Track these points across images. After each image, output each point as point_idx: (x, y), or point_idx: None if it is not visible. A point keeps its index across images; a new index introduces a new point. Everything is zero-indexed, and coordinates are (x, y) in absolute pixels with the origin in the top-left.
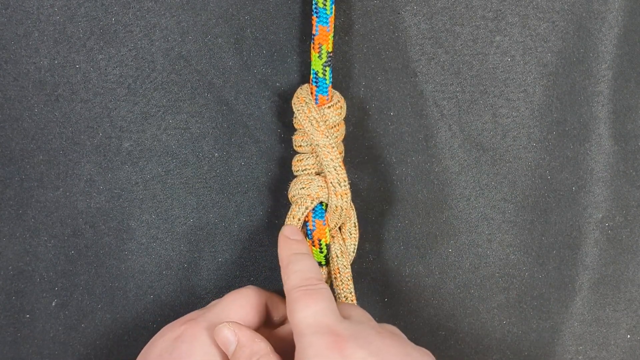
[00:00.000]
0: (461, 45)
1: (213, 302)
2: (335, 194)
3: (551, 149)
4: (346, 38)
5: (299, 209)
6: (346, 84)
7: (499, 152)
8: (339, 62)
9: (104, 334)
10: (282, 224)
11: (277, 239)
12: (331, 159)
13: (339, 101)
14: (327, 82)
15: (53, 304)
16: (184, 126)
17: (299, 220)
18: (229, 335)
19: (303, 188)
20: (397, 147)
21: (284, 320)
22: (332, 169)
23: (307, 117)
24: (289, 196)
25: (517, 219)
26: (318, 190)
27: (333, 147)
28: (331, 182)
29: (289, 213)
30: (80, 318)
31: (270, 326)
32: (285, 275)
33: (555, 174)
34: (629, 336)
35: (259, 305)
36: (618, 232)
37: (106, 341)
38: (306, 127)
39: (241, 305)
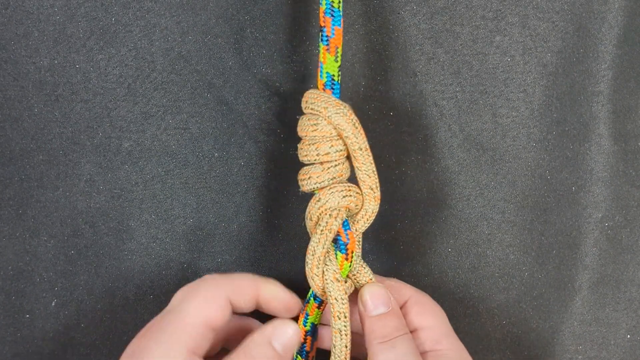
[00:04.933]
0: (461, 45)
1: (172, 300)
2: (374, 198)
3: (551, 149)
4: (346, 38)
5: (336, 221)
6: (346, 84)
7: (499, 152)
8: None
9: (104, 334)
10: (282, 224)
11: (276, 239)
12: (370, 162)
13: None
14: (339, 85)
15: (53, 304)
16: (184, 126)
17: (333, 233)
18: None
19: (337, 199)
20: (396, 147)
21: (251, 304)
22: (372, 173)
23: (351, 119)
24: (316, 215)
25: (516, 219)
26: (353, 198)
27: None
28: (370, 187)
29: (321, 229)
30: (80, 318)
31: (240, 311)
32: None
33: (555, 174)
34: (629, 336)
35: (219, 299)
36: (618, 232)
37: (106, 341)
38: (348, 132)
39: (199, 304)
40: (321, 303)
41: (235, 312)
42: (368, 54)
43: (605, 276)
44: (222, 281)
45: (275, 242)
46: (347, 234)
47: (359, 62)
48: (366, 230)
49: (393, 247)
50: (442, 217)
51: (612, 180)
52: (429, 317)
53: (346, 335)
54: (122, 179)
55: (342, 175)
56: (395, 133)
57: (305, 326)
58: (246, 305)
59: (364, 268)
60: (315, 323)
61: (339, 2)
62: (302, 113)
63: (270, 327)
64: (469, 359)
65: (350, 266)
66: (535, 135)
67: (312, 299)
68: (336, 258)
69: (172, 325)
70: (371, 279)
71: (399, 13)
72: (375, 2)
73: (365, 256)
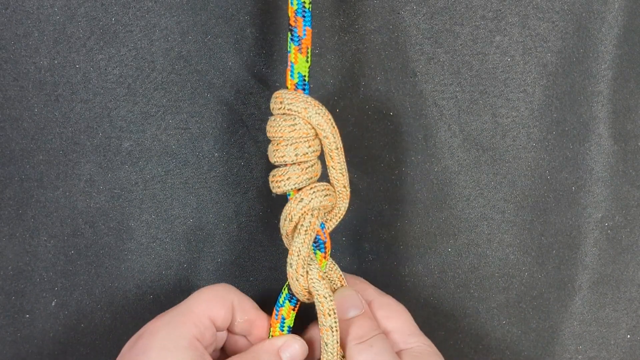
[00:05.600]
0: (461, 45)
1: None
2: (346, 196)
3: (551, 148)
4: (346, 38)
5: (317, 220)
6: (346, 84)
7: (499, 151)
8: (339, 62)
9: (104, 334)
10: None
11: (276, 239)
12: (343, 161)
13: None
14: (309, 86)
15: (53, 304)
16: (184, 126)
17: (315, 232)
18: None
19: (319, 199)
20: (396, 147)
21: (246, 326)
22: (345, 171)
23: (329, 119)
24: (297, 216)
25: (516, 219)
26: (331, 197)
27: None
28: (343, 185)
29: (305, 229)
30: (80, 318)
31: (231, 329)
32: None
33: (555, 174)
34: (629, 336)
35: (226, 302)
36: (618, 232)
37: (106, 341)
38: (327, 131)
39: (207, 299)
40: (296, 304)
41: (230, 331)
42: (368, 54)
43: (605, 276)
44: (232, 290)
45: (275, 242)
46: (324, 233)
47: (359, 62)
48: (366, 230)
49: (393, 247)
50: (442, 217)
51: (612, 180)
52: (395, 320)
53: (337, 331)
54: (122, 179)
55: (316, 175)
56: (395, 133)
57: (282, 330)
58: (241, 325)
59: (334, 265)
60: (291, 326)
61: (310, 2)
62: None
63: (280, 340)
64: (437, 351)
65: (326, 264)
66: (535, 135)
67: (287, 301)
68: (316, 257)
69: (180, 314)
70: (341, 276)
71: (399, 13)
72: (375, 2)
73: (365, 256)
